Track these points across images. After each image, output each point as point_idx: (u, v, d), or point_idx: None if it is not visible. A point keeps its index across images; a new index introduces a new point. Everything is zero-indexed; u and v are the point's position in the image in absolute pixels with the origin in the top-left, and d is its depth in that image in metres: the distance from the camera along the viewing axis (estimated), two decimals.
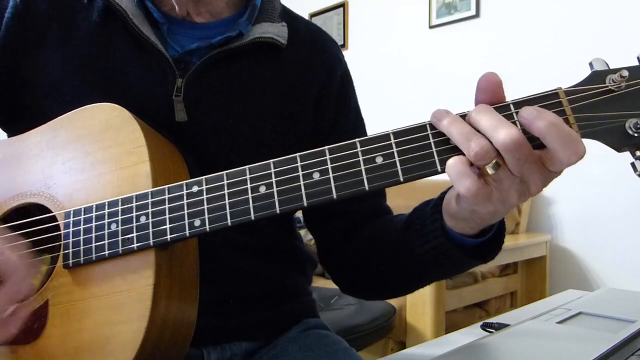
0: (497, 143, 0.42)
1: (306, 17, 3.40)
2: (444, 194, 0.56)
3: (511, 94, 0.46)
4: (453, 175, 0.44)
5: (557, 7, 2.31)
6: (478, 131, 0.44)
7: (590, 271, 2.24)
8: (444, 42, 2.74)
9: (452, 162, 0.44)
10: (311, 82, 0.73)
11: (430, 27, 2.78)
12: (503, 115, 0.44)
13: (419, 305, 1.76)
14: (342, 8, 3.26)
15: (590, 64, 0.45)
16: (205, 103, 0.66)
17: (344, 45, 3.22)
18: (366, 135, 0.79)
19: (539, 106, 0.43)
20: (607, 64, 0.44)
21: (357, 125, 0.79)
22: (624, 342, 0.60)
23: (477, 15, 2.59)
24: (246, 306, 0.69)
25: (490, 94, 0.45)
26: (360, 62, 3.03)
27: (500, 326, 0.77)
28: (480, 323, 0.82)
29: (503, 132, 0.42)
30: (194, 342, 0.57)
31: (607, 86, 0.43)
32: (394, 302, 1.77)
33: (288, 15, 0.76)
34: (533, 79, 2.30)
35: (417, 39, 2.85)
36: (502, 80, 0.46)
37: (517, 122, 0.44)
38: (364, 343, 1.62)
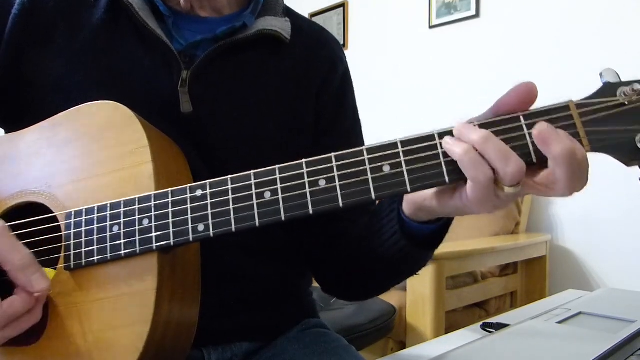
0: (507, 173, 0.42)
1: (306, 17, 3.40)
2: None
3: None
4: (480, 192, 0.43)
5: (558, 7, 2.30)
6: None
7: (590, 271, 2.24)
8: (444, 42, 2.74)
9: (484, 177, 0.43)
10: (313, 78, 0.74)
11: (430, 27, 2.78)
12: (512, 127, 0.43)
13: (419, 305, 1.76)
14: (342, 8, 3.26)
15: (601, 75, 0.44)
16: (210, 94, 0.66)
17: (344, 45, 3.22)
18: (362, 138, 0.80)
19: (550, 119, 0.43)
20: (618, 75, 0.43)
21: (354, 126, 0.79)
22: (624, 342, 0.61)
23: (477, 15, 2.59)
24: (246, 307, 0.69)
25: (520, 104, 0.44)
26: (360, 62, 3.03)
27: (500, 326, 0.77)
28: (480, 323, 0.83)
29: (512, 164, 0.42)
30: (195, 343, 0.57)
31: (618, 100, 0.42)
32: (394, 302, 1.77)
33: (290, 13, 0.77)
34: (533, 79, 2.28)
35: (417, 39, 2.84)
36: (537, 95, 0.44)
37: (526, 135, 0.43)
38: (364, 343, 1.61)
